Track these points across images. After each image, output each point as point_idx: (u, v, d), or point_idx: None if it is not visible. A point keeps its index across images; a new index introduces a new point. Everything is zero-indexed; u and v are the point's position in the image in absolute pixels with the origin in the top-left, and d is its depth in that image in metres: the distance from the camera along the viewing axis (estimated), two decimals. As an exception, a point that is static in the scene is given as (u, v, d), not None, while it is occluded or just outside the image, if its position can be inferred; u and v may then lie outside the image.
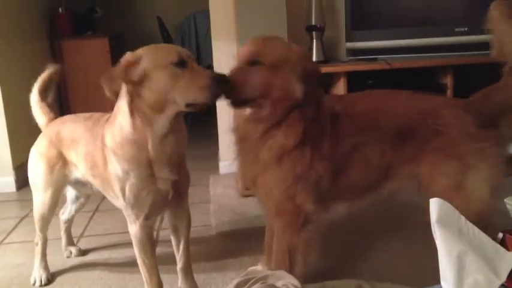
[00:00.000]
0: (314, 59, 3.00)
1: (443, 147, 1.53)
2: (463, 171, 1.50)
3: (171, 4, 5.25)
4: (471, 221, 1.42)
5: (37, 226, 1.86)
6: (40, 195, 1.82)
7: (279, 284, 1.50)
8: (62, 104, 3.89)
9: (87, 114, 1.79)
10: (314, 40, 3.02)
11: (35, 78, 1.90)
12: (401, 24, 2.95)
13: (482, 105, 1.56)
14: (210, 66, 3.27)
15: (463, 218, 0.94)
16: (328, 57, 3.06)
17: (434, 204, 0.95)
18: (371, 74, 2.88)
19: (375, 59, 2.94)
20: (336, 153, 1.52)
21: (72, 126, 1.76)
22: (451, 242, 0.91)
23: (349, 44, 2.97)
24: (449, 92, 2.83)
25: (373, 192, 1.62)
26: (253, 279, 1.53)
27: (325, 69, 2.91)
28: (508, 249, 0.96)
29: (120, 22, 5.18)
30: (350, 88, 2.84)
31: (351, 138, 1.53)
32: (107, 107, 3.60)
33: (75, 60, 3.71)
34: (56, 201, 1.84)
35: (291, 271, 1.51)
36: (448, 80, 2.84)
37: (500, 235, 1.02)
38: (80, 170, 1.74)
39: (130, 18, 5.44)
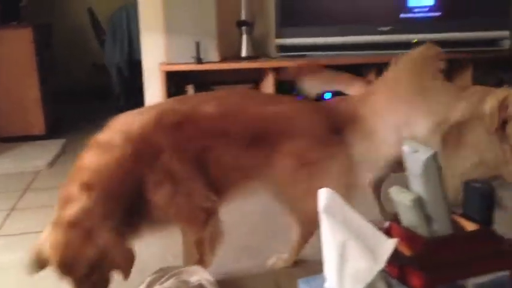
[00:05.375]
0: (243, 54, 3.02)
1: (296, 151, 1.54)
2: (314, 175, 1.54)
3: (103, -5, 5.11)
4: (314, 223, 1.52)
5: None
6: None
7: (192, 279, 1.50)
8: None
9: None
10: (244, 35, 3.03)
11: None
12: (329, 22, 3.01)
13: (333, 111, 1.62)
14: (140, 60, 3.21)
15: (347, 207, 0.97)
16: (258, 53, 3.08)
17: (322, 195, 0.98)
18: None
19: (303, 56, 2.99)
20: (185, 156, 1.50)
21: None
22: (335, 231, 0.94)
23: (279, 41, 3.01)
24: (373, 89, 2.93)
25: (238, 191, 1.62)
26: (167, 276, 1.52)
27: (254, 64, 2.95)
28: (392, 237, 0.99)
29: (48, 12, 4.97)
30: (279, 84, 2.88)
31: (196, 143, 1.51)
32: (28, 99, 3.46)
33: (-4, 52, 3.52)
34: None
35: (200, 264, 1.52)
36: (373, 77, 2.93)
37: (387, 224, 1.06)
38: None
39: (59, 9, 5.24)
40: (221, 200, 1.60)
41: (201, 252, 1.56)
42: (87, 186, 1.34)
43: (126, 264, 1.37)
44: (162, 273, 1.57)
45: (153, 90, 3.04)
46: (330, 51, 3.02)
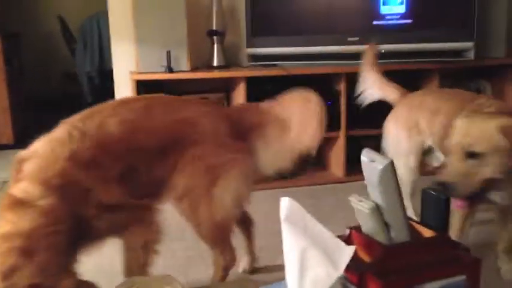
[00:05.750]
0: (215, 63, 3.03)
1: (199, 156, 1.57)
2: (213, 180, 1.58)
3: (74, 3, 5.07)
4: (210, 228, 1.59)
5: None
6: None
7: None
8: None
9: None
10: (215, 45, 3.04)
11: None
12: (299, 32, 3.05)
13: (238, 118, 1.67)
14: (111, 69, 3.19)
15: (308, 216, 0.99)
16: (229, 62, 3.10)
17: (284, 203, 1.00)
18: (270, 79, 2.95)
19: (274, 65, 3.02)
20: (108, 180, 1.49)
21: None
22: (296, 239, 0.96)
23: (250, 50, 3.03)
24: (342, 98, 2.98)
25: (159, 201, 1.65)
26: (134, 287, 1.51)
27: (225, 74, 2.96)
28: (352, 244, 1.01)
29: (17, 20, 4.90)
30: (249, 93, 2.90)
31: (116, 168, 1.49)
32: (0, 112, 3.40)
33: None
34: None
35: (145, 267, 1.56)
36: (342, 87, 2.98)
37: (347, 231, 1.09)
38: None
39: (28, 17, 5.17)
40: (155, 201, 1.63)
41: (145, 256, 1.58)
42: (28, 253, 1.30)
43: None
44: (130, 284, 1.56)
45: (124, 99, 3.02)
46: (301, 60, 3.05)
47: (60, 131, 1.52)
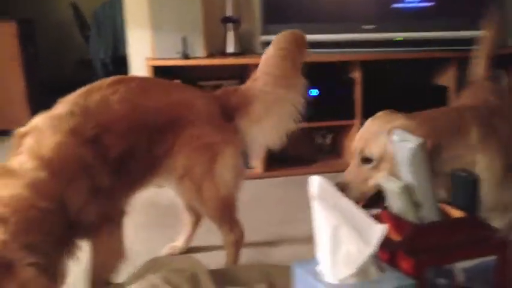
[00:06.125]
0: (229, 50, 3.03)
1: (197, 135, 1.61)
2: (212, 158, 1.62)
3: (87, -11, 5.06)
4: (216, 205, 1.64)
5: None
6: None
7: (185, 268, 1.51)
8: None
9: None
10: (230, 32, 3.03)
11: None
12: (314, 19, 3.04)
13: (225, 100, 1.72)
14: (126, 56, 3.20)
15: (339, 193, 0.99)
16: (243, 49, 3.09)
17: (314, 181, 1.00)
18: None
19: (289, 53, 3.00)
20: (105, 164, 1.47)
21: None
22: (327, 216, 0.96)
23: (264, 37, 3.02)
24: (357, 86, 2.97)
25: (148, 184, 1.67)
26: (158, 266, 1.53)
27: (241, 60, 2.96)
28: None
29: (30, 7, 4.90)
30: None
31: (116, 148, 1.49)
32: (13, 93, 3.40)
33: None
34: None
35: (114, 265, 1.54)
36: (357, 75, 2.97)
37: (378, 211, 1.10)
38: None
39: (42, 3, 5.17)
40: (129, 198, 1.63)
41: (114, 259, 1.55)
42: (1, 220, 1.20)
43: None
44: (154, 263, 1.58)
45: (139, 86, 3.03)
46: (315, 48, 3.04)
47: (61, 107, 1.49)
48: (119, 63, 3.77)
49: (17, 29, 3.48)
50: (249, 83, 1.81)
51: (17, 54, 3.41)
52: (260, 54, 3.02)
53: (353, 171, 1.49)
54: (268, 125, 1.75)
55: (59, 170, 1.34)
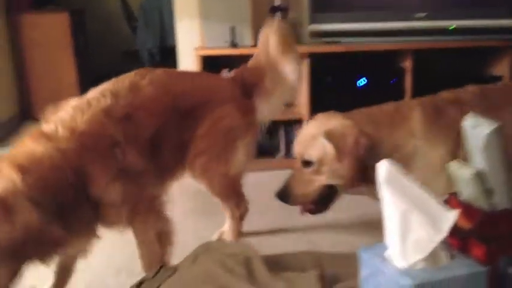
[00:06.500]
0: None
1: (220, 117, 1.68)
2: (231, 143, 1.70)
3: (135, -19, 5.15)
4: (226, 183, 1.73)
5: None
6: None
7: (238, 252, 1.52)
8: (20, 83, 3.76)
9: None
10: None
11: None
12: (363, 8, 2.99)
13: (243, 80, 1.80)
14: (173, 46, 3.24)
15: (407, 177, 0.97)
16: (291, 38, 3.07)
17: (382, 166, 0.99)
18: (333, 56, 2.92)
19: (337, 42, 2.97)
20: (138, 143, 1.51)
21: None
22: (396, 201, 0.95)
23: (312, 26, 3.00)
24: (407, 76, 2.91)
25: (179, 172, 1.71)
26: (212, 250, 1.55)
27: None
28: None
29: (81, -1, 5.04)
30: (313, 69, 2.88)
31: (147, 128, 1.53)
32: (65, 84, 3.50)
33: (33, 36, 3.57)
34: None
35: (164, 252, 1.56)
36: (407, 64, 2.91)
37: (447, 196, 1.07)
38: None
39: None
40: (165, 186, 1.68)
41: (162, 247, 1.57)
42: (22, 169, 1.25)
43: (53, 249, 1.28)
44: (206, 247, 1.60)
45: (188, 75, 3.06)
46: (364, 37, 2.99)
47: (92, 92, 1.55)
48: (166, 54, 3.82)
49: (69, 19, 3.58)
50: (253, 60, 1.92)
51: (69, 44, 3.52)
52: (308, 43, 3.03)
53: (296, 175, 1.48)
54: (275, 98, 1.87)
55: (88, 144, 1.38)
